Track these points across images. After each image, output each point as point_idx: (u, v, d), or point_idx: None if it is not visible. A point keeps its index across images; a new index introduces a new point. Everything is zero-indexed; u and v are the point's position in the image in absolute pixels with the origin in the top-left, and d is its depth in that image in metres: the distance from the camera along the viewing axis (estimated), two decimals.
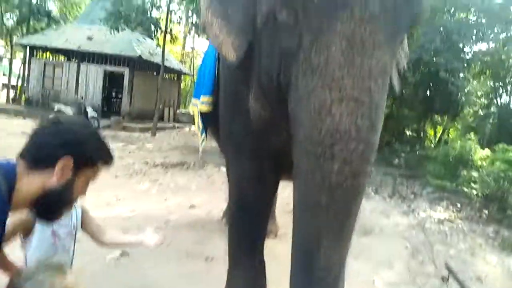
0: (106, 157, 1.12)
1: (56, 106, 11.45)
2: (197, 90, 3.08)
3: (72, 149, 1.01)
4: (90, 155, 1.07)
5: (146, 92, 16.03)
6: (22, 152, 1.01)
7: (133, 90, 15.69)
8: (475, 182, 5.92)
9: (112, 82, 16.83)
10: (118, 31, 11.84)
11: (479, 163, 6.67)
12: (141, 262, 2.91)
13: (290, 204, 4.61)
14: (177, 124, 15.94)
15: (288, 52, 1.31)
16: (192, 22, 12.44)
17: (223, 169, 7.07)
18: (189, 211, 4.50)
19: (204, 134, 2.73)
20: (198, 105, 2.78)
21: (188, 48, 25.11)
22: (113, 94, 17.06)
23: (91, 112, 12.29)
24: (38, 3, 20.63)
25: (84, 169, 1.06)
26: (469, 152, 6.88)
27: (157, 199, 4.89)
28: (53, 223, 1.34)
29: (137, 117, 15.16)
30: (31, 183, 0.98)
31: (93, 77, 15.88)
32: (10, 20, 22.35)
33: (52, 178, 0.99)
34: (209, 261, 3.14)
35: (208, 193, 5.34)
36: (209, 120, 2.60)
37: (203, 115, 2.52)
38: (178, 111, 18.49)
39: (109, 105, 16.59)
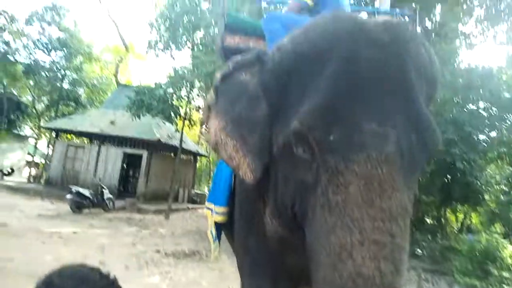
0: None
1: (74, 188, 11.64)
2: (212, 195, 3.10)
3: None
4: None
5: (163, 173, 16.33)
6: None
7: (150, 171, 16.03)
8: (508, 284, 5.49)
9: (130, 163, 17.31)
10: (139, 118, 12.50)
11: (509, 261, 6.24)
12: None
13: None
14: (190, 205, 15.91)
15: (305, 184, 1.30)
16: None
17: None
18: None
19: (216, 242, 2.68)
20: (213, 214, 2.79)
21: (204, 129, 26.06)
22: (131, 174, 17.42)
23: (107, 194, 12.43)
24: (69, 89, 22.35)
25: None
26: (496, 247, 6.51)
27: None
28: None
29: (152, 198, 15.24)
30: None
31: (112, 159, 16.40)
32: (40, 104, 24.07)
33: None
34: None
35: None
36: (224, 227, 2.57)
37: (218, 224, 2.50)
38: (192, 191, 18.59)
39: (126, 185, 16.85)
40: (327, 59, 1.27)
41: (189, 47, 13.70)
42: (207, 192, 21.32)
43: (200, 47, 12.63)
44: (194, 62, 12.11)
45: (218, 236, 2.70)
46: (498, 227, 7.51)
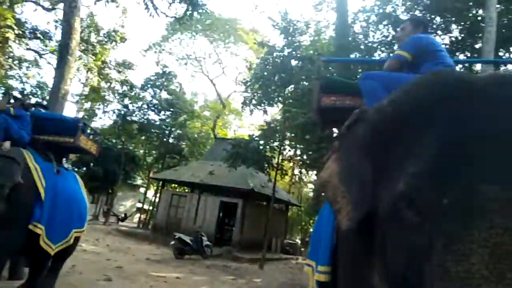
0: None
1: (177, 235, 12.58)
2: (313, 252, 3.07)
3: None
4: None
5: (256, 222, 16.70)
6: None
7: (244, 219, 16.56)
8: None
9: (226, 212, 18.11)
10: (235, 169, 13.27)
11: None
12: None
13: None
14: (283, 256, 15.77)
15: (416, 248, 1.20)
16: (300, 159, 13.38)
17: None
18: None
19: None
20: (315, 272, 2.76)
21: (296, 178, 26.31)
22: (226, 222, 18.18)
23: (205, 241, 13.09)
24: (174, 143, 24.91)
25: None
26: None
27: None
28: None
29: (246, 246, 15.57)
30: None
31: (210, 207, 17.44)
32: (150, 157, 27.17)
33: None
34: None
35: None
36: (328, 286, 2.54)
37: (320, 283, 2.48)
38: (285, 240, 18.48)
39: (222, 233, 17.57)
40: (433, 119, 1.24)
41: (280, 101, 14.45)
42: (299, 242, 20.88)
43: (291, 100, 13.22)
44: (285, 115, 12.67)
45: None
46: None
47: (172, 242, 12.31)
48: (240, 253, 14.29)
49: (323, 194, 1.78)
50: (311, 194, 23.47)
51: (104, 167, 21.34)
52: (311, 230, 17.83)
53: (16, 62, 17.57)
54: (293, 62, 13.06)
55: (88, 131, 6.33)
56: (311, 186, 24.79)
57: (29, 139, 4.82)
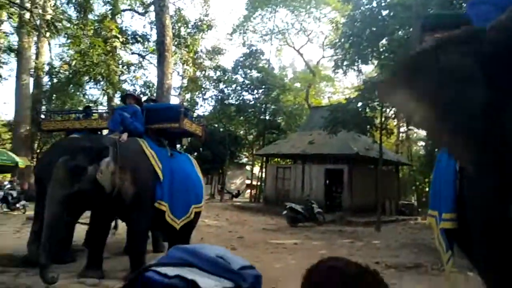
0: None
1: (288, 205, 12.96)
2: (435, 200, 2.89)
3: None
4: None
5: (365, 186, 16.24)
6: None
7: (352, 184, 16.23)
8: None
9: (332, 179, 17.98)
10: (336, 135, 12.97)
11: None
12: None
13: None
14: (400, 217, 15.09)
15: None
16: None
17: (470, 274, 6.01)
18: None
19: (449, 252, 2.46)
20: (439, 221, 2.60)
21: (402, 135, 24.67)
22: (334, 189, 18.09)
23: (316, 208, 13.24)
24: (270, 119, 25.47)
25: None
26: None
27: None
28: None
29: (358, 211, 15.31)
30: None
31: (315, 176, 17.50)
32: (251, 135, 28.31)
33: None
34: None
35: None
36: (456, 236, 2.35)
37: (446, 231, 2.31)
38: (399, 202, 17.63)
39: (331, 200, 17.54)
40: None
41: (375, 57, 13.50)
42: (415, 202, 19.69)
43: (387, 54, 12.24)
44: (382, 69, 11.80)
45: (450, 246, 2.48)
46: None
47: (284, 212, 12.76)
48: (353, 218, 14.12)
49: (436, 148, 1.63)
50: (422, 152, 21.75)
51: (212, 150, 22.97)
52: (427, 189, 16.62)
53: (125, 67, 19.74)
54: (384, 12, 11.99)
55: (192, 115, 6.89)
56: (421, 143, 22.96)
57: (144, 129, 5.43)
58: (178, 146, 7.10)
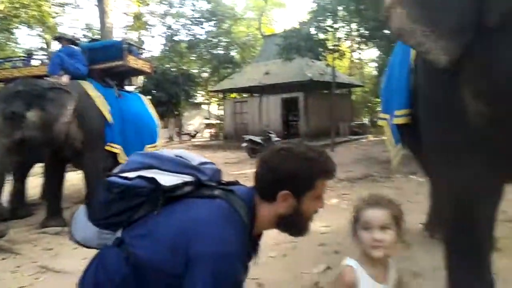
0: (324, 175, 1.16)
1: (247, 137, 13.16)
2: (386, 105, 3.05)
3: (286, 185, 1.11)
4: (305, 183, 1.13)
5: (321, 111, 16.66)
6: (254, 186, 1.19)
7: (308, 111, 16.60)
8: None
9: (289, 107, 18.25)
10: (290, 61, 12.90)
11: None
12: None
13: (506, 212, 3.90)
14: (353, 137, 15.89)
15: None
16: (357, 34, 12.45)
17: (413, 177, 6.60)
18: None
19: (399, 145, 2.66)
20: (391, 120, 2.76)
21: (355, 59, 25.05)
22: (291, 118, 18.47)
23: (274, 137, 13.54)
24: (224, 53, 24.74)
25: (305, 193, 1.14)
26: None
27: (348, 214, 4.90)
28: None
29: (314, 135, 15.86)
30: (267, 211, 1.16)
31: (272, 107, 17.66)
32: (205, 72, 27.57)
33: (279, 208, 1.14)
34: (416, 277, 2.93)
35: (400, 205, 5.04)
36: (405, 133, 2.51)
37: (398, 127, 2.47)
38: (352, 123, 18.46)
39: (289, 128, 17.96)
40: None
41: None
42: (367, 122, 20.63)
43: None
44: None
45: (400, 140, 2.66)
46: None
47: (244, 144, 12.97)
48: (310, 142, 14.63)
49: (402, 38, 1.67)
50: (374, 73, 22.33)
51: (166, 92, 22.23)
52: (379, 109, 17.38)
53: (60, 8, 17.84)
54: None
55: (138, 51, 6.45)
56: (373, 64, 23.46)
57: (86, 70, 5.07)
58: (132, 88, 6.77)
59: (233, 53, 26.24)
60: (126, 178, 1.18)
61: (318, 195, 1.17)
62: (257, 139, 13.05)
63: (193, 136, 25.27)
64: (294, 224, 1.20)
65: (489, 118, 1.64)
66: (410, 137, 2.46)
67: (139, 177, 1.17)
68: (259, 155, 1.23)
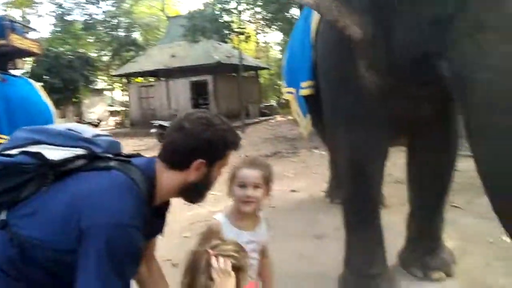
0: (233, 146, 1.19)
1: (156, 123, 12.66)
2: (290, 78, 3.18)
3: (201, 154, 1.12)
4: (219, 153, 1.16)
5: (229, 94, 16.79)
6: (159, 154, 1.16)
7: (217, 93, 16.58)
8: None
9: (198, 90, 18.02)
10: (197, 43, 12.66)
11: None
12: None
13: (392, 174, 4.42)
14: (262, 118, 16.43)
15: (440, 18, 1.34)
16: (262, 17, 12.75)
17: (316, 151, 7.12)
18: (291, 195, 4.63)
19: (307, 116, 2.78)
20: (299, 91, 2.90)
21: (261, 42, 25.64)
22: (201, 101, 18.29)
23: None
24: (125, 35, 23.16)
25: (217, 162, 1.17)
26: None
27: None
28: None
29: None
30: (172, 179, 1.13)
31: (181, 90, 17.22)
32: (105, 55, 25.52)
33: (190, 176, 1.13)
34: (319, 239, 3.20)
35: (305, 178, 5.42)
36: (309, 104, 2.66)
37: (306, 98, 2.59)
38: (261, 105, 19.03)
39: None
40: None
41: None
42: (275, 104, 21.49)
43: None
44: None
45: (308, 111, 2.79)
46: None
47: (154, 130, 12.45)
48: None
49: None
50: (279, 56, 23.17)
51: (61, 77, 20.07)
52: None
53: None
54: None
55: (23, 30, 5.65)
56: (277, 47, 24.32)
57: None
58: (18, 72, 5.90)
59: (135, 35, 24.70)
60: (8, 155, 1.07)
61: (224, 164, 1.20)
62: (166, 123, 12.65)
63: (97, 125, 23.36)
64: (198, 192, 1.21)
65: (381, 88, 1.88)
66: (313, 109, 2.63)
67: (24, 152, 1.06)
68: (173, 122, 1.19)
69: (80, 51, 23.55)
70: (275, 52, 25.87)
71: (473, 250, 2.57)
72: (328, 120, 2.38)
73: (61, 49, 21.91)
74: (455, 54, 1.31)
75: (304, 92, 2.52)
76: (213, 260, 1.09)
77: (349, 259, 2.28)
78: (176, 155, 1.13)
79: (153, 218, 1.16)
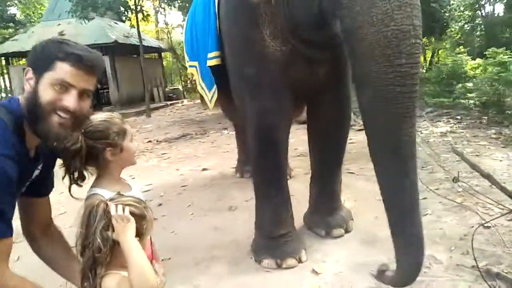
0: (63, 57, 1.09)
1: None
2: (193, 51, 3.09)
3: (29, 61, 1.15)
4: (44, 60, 1.10)
5: (131, 76, 15.81)
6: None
7: (118, 76, 15.46)
8: (470, 92, 5.99)
9: None
10: (88, 20, 11.50)
11: (472, 73, 6.67)
12: (169, 223, 3.06)
13: (297, 149, 4.74)
14: (168, 102, 15.90)
15: None
16: None
17: (225, 132, 7.20)
18: (202, 174, 4.63)
19: (214, 88, 2.74)
20: (200, 68, 2.84)
21: (161, 24, 24.52)
22: (99, 86, 16.85)
23: None
24: (1, 9, 19.97)
25: (44, 74, 1.09)
26: (461, 65, 6.88)
27: (169, 170, 5.01)
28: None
29: (127, 103, 15.05)
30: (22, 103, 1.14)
31: None
32: None
33: (26, 88, 1.13)
34: (233, 210, 3.28)
35: (215, 157, 5.45)
36: (216, 77, 2.64)
37: (212, 69, 2.55)
38: (166, 89, 18.36)
39: (98, 97, 16.40)
40: None
41: None
42: (181, 87, 20.98)
43: None
44: None
45: (215, 82, 2.75)
46: (462, 49, 7.87)
47: None
48: (124, 110, 13.84)
49: None
50: (182, 38, 22.52)
51: None
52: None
53: None
54: None
55: None
56: (179, 29, 23.55)
57: None
58: None
59: (13, 10, 21.46)
60: None
61: (54, 80, 1.09)
62: None
63: None
64: (33, 112, 1.09)
65: (284, 54, 1.98)
66: (219, 82, 2.62)
67: None
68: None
69: None
70: (178, 34, 25.06)
71: (365, 208, 2.90)
72: (235, 90, 2.43)
73: None
74: (345, 11, 1.44)
75: (211, 62, 2.51)
76: (112, 207, 1.07)
77: (260, 223, 2.39)
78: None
79: (34, 162, 1.20)
